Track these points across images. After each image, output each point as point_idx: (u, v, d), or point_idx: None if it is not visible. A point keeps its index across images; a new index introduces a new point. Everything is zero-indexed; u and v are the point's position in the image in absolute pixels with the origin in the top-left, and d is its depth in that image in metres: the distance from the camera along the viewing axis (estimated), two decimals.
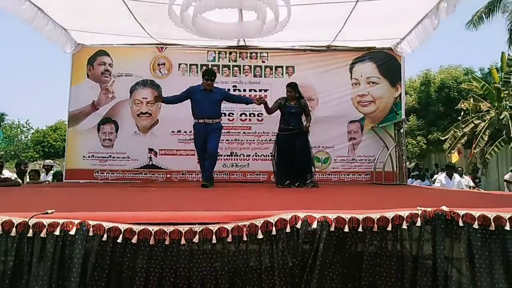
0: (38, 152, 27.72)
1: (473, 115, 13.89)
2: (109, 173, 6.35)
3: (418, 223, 1.83)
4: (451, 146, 13.94)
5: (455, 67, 19.15)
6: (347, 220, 1.84)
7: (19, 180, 5.81)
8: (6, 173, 6.11)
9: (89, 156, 6.36)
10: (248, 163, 6.49)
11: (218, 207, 2.34)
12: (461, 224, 1.86)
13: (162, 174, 6.37)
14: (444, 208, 1.90)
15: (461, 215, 1.87)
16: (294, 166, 4.91)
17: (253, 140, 6.53)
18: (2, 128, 32.78)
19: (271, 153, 5.52)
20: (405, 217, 1.85)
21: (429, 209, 1.88)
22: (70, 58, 6.56)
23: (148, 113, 6.45)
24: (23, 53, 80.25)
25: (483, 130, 13.03)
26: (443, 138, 14.99)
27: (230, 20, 5.07)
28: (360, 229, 1.84)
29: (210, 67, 6.32)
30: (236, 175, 6.41)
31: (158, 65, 6.53)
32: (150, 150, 6.38)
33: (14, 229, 1.86)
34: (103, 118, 6.43)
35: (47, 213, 1.97)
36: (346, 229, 1.84)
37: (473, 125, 13.63)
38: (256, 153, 6.51)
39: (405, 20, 5.67)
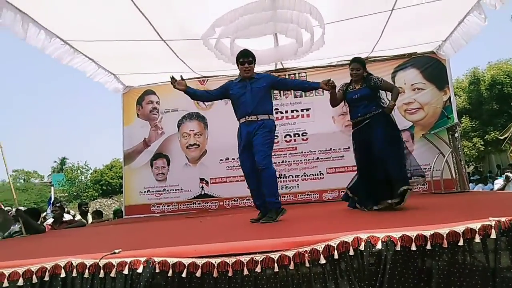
0: (97, 191, 29.27)
1: None
2: (164, 206, 6.57)
3: (493, 235, 1.71)
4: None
5: (506, 61, 18.02)
6: (413, 238, 1.76)
7: (83, 220, 6.17)
8: (67, 216, 6.50)
9: (145, 192, 6.64)
10: (297, 184, 6.44)
11: (276, 233, 2.33)
12: None
13: (215, 203, 6.48)
14: None
15: None
16: (373, 174, 3.45)
17: (300, 160, 6.48)
18: (65, 171, 35.16)
19: None
20: (477, 230, 1.73)
21: (503, 219, 1.74)
22: (121, 100, 6.99)
23: (197, 144, 6.66)
24: (76, 101, 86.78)
25: None
26: (502, 138, 14.00)
27: (266, 45, 5.18)
28: (428, 246, 1.74)
29: None
30: (287, 197, 6.36)
31: None
32: (202, 180, 6.54)
33: (86, 270, 1.97)
34: (155, 153, 6.73)
35: (114, 253, 2.06)
36: (413, 247, 1.75)
37: None
38: (304, 173, 6.45)
39: (445, 21, 5.48)
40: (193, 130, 6.72)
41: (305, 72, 6.68)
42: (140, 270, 1.91)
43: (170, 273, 1.89)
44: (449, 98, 6.24)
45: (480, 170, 15.98)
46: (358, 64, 3.69)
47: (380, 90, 3.74)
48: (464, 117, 16.76)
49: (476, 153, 17.15)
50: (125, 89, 6.97)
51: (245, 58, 3.58)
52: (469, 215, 2.35)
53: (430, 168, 5.92)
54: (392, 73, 6.46)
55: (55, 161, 40.75)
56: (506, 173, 8.10)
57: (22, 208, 4.59)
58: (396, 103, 6.07)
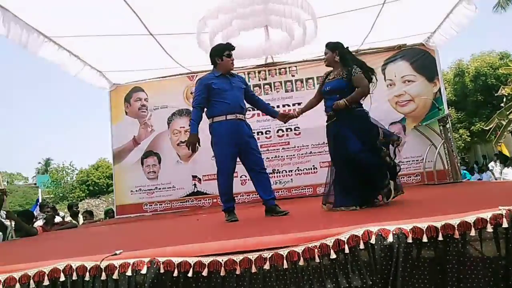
0: (84, 191, 28.81)
1: None
2: (157, 205, 6.47)
3: (505, 224, 1.69)
4: (497, 135, 13.21)
5: (489, 53, 18.33)
6: (424, 229, 1.73)
7: (74, 222, 6.03)
8: (57, 218, 6.34)
9: (136, 190, 6.52)
10: (291, 179, 6.41)
11: (280, 229, 2.28)
12: None
13: (209, 200, 6.40)
14: None
15: None
16: (347, 173, 3.12)
17: (293, 155, 6.46)
18: (49, 172, 34.50)
19: None
20: (488, 219, 1.71)
21: None
22: (108, 98, 6.83)
23: None
24: (61, 100, 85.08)
25: None
26: (487, 128, 14.25)
27: (257, 39, 5.11)
28: (440, 238, 1.72)
29: None
30: (281, 191, 6.32)
31: (191, 93, 6.62)
32: (194, 177, 6.45)
33: (87, 273, 1.89)
34: (145, 151, 6.60)
35: (115, 254, 1.99)
36: (425, 239, 1.72)
37: None
38: (298, 167, 6.43)
39: (433, 12, 5.52)
40: (183, 127, 6.60)
41: (296, 66, 6.64)
42: (144, 271, 1.84)
43: (175, 273, 1.82)
44: (439, 90, 6.29)
45: (467, 161, 16.25)
46: (326, 48, 3.35)
47: None
48: (450, 108, 16.98)
49: (462, 144, 17.46)
50: (112, 86, 6.81)
51: (231, 50, 3.45)
52: (472, 204, 2.36)
53: (423, 160, 5.97)
54: (382, 65, 6.46)
55: (39, 162, 40.09)
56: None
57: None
58: (388, 95, 6.32)
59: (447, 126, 5.90)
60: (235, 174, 3.55)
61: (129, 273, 1.85)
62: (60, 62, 5.39)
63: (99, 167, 30.20)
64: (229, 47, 3.47)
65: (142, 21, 4.72)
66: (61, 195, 27.70)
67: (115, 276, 1.87)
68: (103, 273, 1.87)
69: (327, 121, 3.33)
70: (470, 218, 1.73)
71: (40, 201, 10.19)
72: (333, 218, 2.76)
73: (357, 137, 3.08)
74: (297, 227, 2.25)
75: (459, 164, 6.07)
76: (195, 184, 6.43)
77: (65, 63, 5.49)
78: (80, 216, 7.18)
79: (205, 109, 3.44)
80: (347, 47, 3.34)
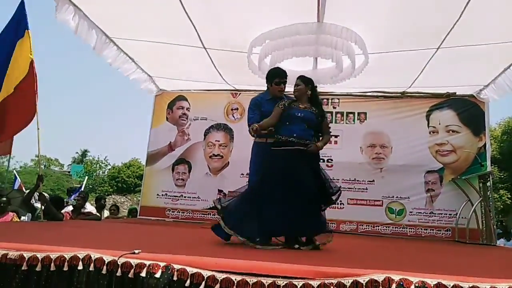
0: (112, 187, 29.75)
1: None
2: (179, 212, 6.53)
3: None
4: None
5: None
6: (449, 287, 1.64)
7: (98, 214, 6.19)
8: (89, 207, 6.55)
9: (162, 195, 6.63)
10: None
11: (299, 259, 2.24)
12: None
13: None
14: None
15: None
16: (293, 206, 2.96)
17: None
18: (84, 163, 35.93)
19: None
20: None
21: None
22: (152, 102, 7.10)
23: (220, 155, 6.65)
24: (109, 95, 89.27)
25: None
26: None
27: (304, 67, 5.17)
28: None
29: None
30: None
31: (232, 109, 6.78)
32: (220, 191, 6.48)
33: (105, 267, 1.93)
34: (178, 158, 6.74)
35: (134, 253, 2.02)
36: None
37: None
38: None
39: (489, 65, 5.35)
40: (218, 141, 6.72)
41: (338, 99, 6.62)
42: (158, 275, 1.86)
43: (187, 283, 1.82)
44: (484, 145, 6.04)
45: (504, 224, 15.31)
46: (300, 80, 3.30)
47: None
48: (493, 166, 16.22)
49: (501, 206, 16.53)
50: (158, 91, 7.07)
51: (283, 78, 3.55)
52: (507, 272, 2.22)
53: (457, 215, 5.70)
54: (427, 111, 6.31)
55: (77, 152, 41.80)
56: None
57: (46, 195, 4.66)
58: (429, 143, 6.14)
59: (488, 184, 5.61)
60: None
61: (143, 274, 1.88)
62: (116, 62, 5.68)
63: (130, 166, 31.15)
64: (280, 75, 3.55)
65: (199, 33, 4.89)
66: (90, 186, 28.68)
67: (130, 275, 1.90)
68: (119, 270, 1.91)
69: (281, 145, 3.17)
70: (502, 286, 1.63)
71: (82, 189, 10.47)
72: (356, 257, 2.68)
73: (312, 176, 3.10)
74: (317, 261, 2.20)
75: (495, 226, 5.72)
76: (219, 199, 6.44)
77: (120, 63, 5.77)
78: (105, 210, 7.37)
79: None
80: (316, 86, 3.38)
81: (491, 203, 5.67)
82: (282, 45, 4.41)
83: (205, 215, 6.44)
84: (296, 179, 3.03)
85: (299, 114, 3.20)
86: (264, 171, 3.26)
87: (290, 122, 3.20)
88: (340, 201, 6.19)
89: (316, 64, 5.35)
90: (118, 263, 1.93)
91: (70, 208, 5.55)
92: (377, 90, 6.47)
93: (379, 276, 1.72)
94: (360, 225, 6.08)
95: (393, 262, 2.77)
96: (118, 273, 1.90)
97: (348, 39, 4.39)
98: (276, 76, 3.54)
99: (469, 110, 6.19)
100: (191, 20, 4.58)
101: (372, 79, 5.82)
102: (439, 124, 6.26)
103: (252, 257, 2.16)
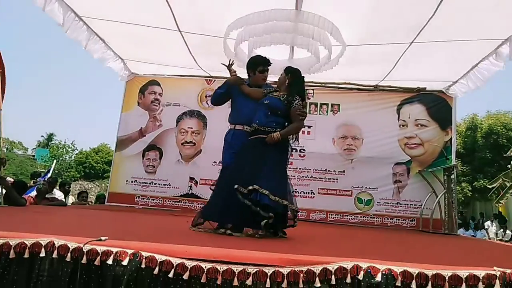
0: (79, 172, 28.88)
1: None
2: (149, 199, 6.42)
3: (497, 286, 1.65)
4: (499, 195, 13.10)
5: (504, 113, 18.34)
6: (414, 275, 1.69)
7: (63, 200, 5.99)
8: (57, 194, 6.33)
9: (132, 181, 6.49)
10: None
11: (270, 247, 2.24)
12: None
13: (201, 204, 6.34)
14: None
15: None
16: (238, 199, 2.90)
17: (294, 176, 6.39)
18: (50, 147, 34.62)
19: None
20: (481, 278, 1.67)
21: (508, 271, 1.69)
22: (123, 86, 6.88)
23: (193, 142, 6.56)
24: (75, 78, 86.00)
25: None
26: (490, 187, 14.16)
27: (280, 55, 5.14)
28: (429, 286, 1.68)
29: None
30: None
31: (206, 96, 6.67)
32: (191, 179, 6.41)
33: (69, 254, 1.86)
34: (149, 144, 6.60)
35: (100, 240, 1.96)
36: (414, 286, 1.68)
37: None
38: (296, 189, 6.31)
39: (459, 62, 5.51)
40: (191, 128, 6.61)
41: (313, 89, 6.64)
42: (125, 262, 1.81)
43: (156, 271, 1.79)
44: (450, 139, 6.26)
45: (464, 215, 16.08)
46: (283, 72, 3.27)
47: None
48: (457, 160, 16.89)
49: (462, 198, 17.31)
50: (130, 75, 6.86)
51: (266, 66, 3.46)
52: (464, 259, 2.32)
53: (421, 206, 5.91)
54: (398, 105, 6.46)
55: (42, 136, 40.15)
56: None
57: (9, 179, 4.44)
58: (398, 135, 6.30)
59: (452, 176, 5.84)
60: None
61: (110, 261, 1.82)
62: (86, 42, 5.43)
63: (99, 151, 30.31)
64: (264, 63, 3.45)
65: (174, 15, 4.73)
66: (56, 171, 27.71)
67: (96, 262, 1.84)
68: (85, 257, 1.84)
69: (250, 135, 3.17)
70: (463, 272, 1.69)
71: (51, 171, 10.12)
72: (326, 245, 2.72)
73: (272, 160, 3.03)
74: (287, 249, 2.21)
75: (456, 217, 5.98)
76: (191, 186, 6.39)
77: (90, 43, 5.52)
78: (70, 196, 7.14)
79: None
80: (303, 77, 3.32)
81: (454, 195, 5.91)
82: (260, 31, 4.34)
83: (176, 203, 6.37)
84: (247, 171, 2.96)
85: (266, 101, 3.15)
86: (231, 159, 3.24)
87: (257, 109, 3.16)
88: (311, 190, 6.35)
89: (292, 53, 5.34)
90: (84, 250, 1.86)
91: (33, 193, 5.33)
92: (351, 82, 6.54)
93: (348, 264, 1.75)
94: (329, 214, 6.19)
95: (361, 251, 2.83)
96: (84, 261, 1.83)
97: (324, 29, 4.38)
98: (260, 63, 3.44)
99: (438, 105, 6.39)
100: (167, 1, 4.43)
101: (346, 71, 5.87)
102: (409, 118, 6.43)
103: (223, 245, 2.15)
